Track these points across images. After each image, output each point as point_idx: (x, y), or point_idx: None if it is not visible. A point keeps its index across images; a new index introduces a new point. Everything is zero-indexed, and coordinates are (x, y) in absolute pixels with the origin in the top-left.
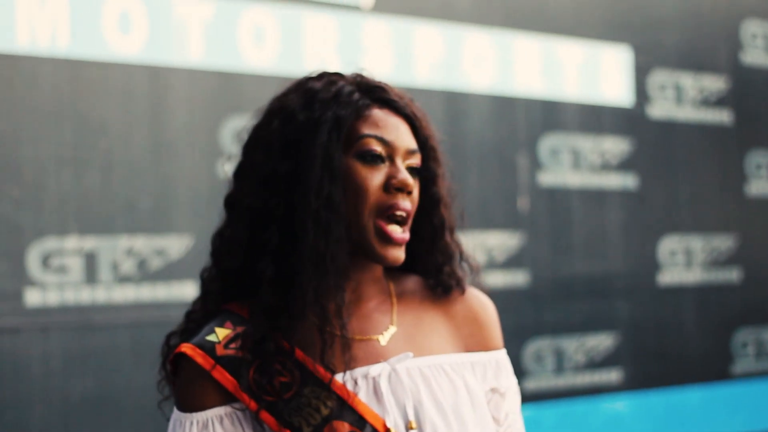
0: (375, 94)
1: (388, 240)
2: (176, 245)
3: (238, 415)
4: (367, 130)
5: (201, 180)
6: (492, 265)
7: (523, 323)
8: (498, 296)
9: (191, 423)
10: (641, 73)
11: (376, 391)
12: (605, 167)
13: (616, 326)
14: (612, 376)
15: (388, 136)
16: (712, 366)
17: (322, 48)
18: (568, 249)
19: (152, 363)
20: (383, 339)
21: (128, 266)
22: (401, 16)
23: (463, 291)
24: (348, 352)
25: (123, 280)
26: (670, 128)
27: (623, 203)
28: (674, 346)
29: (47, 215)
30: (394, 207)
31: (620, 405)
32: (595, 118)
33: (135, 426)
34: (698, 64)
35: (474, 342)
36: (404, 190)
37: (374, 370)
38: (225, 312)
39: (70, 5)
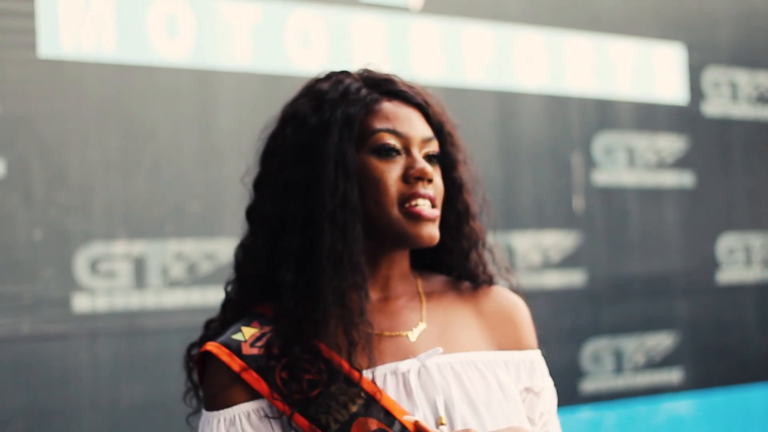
0: (383, 87)
1: (419, 218)
2: (225, 249)
3: (266, 411)
4: (379, 125)
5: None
6: (548, 265)
7: (581, 324)
8: (555, 296)
9: (218, 420)
10: (695, 71)
11: (406, 387)
12: (661, 165)
13: (675, 325)
14: (672, 376)
15: (401, 128)
16: None
17: (370, 49)
18: (625, 248)
19: None
20: (412, 335)
21: (177, 270)
22: (451, 17)
23: (490, 280)
24: (376, 348)
25: (172, 284)
26: (725, 125)
27: (680, 201)
28: (735, 344)
29: (95, 220)
30: (417, 195)
31: (681, 405)
32: (649, 116)
33: (185, 431)
34: (753, 60)
35: (507, 341)
36: (424, 178)
37: (403, 366)
38: (252, 312)
39: (116, 9)
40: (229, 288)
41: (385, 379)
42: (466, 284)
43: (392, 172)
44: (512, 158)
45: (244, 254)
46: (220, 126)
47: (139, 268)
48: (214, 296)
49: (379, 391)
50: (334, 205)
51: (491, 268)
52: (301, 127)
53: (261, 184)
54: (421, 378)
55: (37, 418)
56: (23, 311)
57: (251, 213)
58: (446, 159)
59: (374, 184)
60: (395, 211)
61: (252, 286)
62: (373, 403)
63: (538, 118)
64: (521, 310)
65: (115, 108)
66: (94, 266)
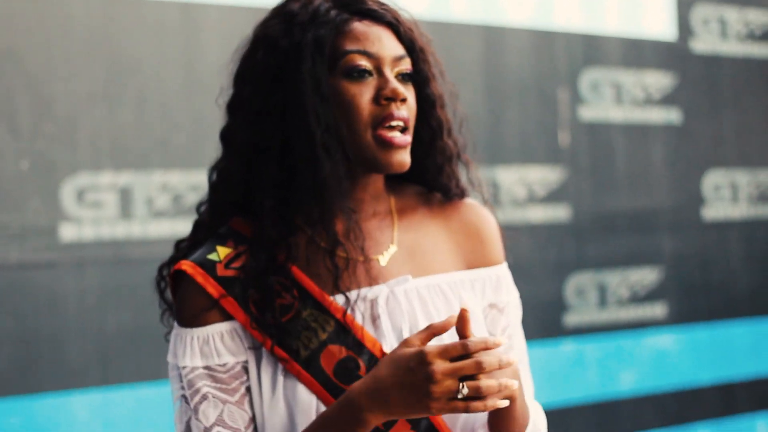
0: (352, 6)
1: (390, 146)
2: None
3: (238, 332)
4: (349, 46)
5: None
6: (533, 199)
7: (565, 258)
8: (539, 231)
9: (192, 338)
10: (684, 7)
11: (374, 314)
12: (648, 102)
13: (660, 261)
14: (656, 310)
15: (371, 48)
16: (759, 301)
17: None
18: (611, 184)
19: None
20: (383, 259)
21: (163, 201)
22: None
23: (462, 194)
24: (348, 273)
25: (157, 214)
26: (714, 62)
27: (666, 138)
28: (720, 281)
29: (81, 151)
30: (390, 117)
31: (665, 339)
32: (637, 53)
33: None
34: None
35: (475, 258)
36: (396, 98)
37: (373, 292)
38: (226, 229)
39: None
40: (202, 209)
41: (355, 305)
42: (438, 196)
43: (364, 95)
44: (498, 93)
45: (219, 177)
46: (206, 58)
47: (125, 198)
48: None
49: (349, 319)
50: (321, 131)
51: (464, 183)
52: (272, 50)
53: (235, 107)
54: (389, 305)
55: (25, 344)
56: (11, 240)
57: (225, 136)
58: (419, 76)
59: (347, 108)
60: (368, 135)
61: (226, 208)
62: (342, 331)
63: (525, 53)
64: (489, 224)
65: (101, 40)
66: (80, 196)
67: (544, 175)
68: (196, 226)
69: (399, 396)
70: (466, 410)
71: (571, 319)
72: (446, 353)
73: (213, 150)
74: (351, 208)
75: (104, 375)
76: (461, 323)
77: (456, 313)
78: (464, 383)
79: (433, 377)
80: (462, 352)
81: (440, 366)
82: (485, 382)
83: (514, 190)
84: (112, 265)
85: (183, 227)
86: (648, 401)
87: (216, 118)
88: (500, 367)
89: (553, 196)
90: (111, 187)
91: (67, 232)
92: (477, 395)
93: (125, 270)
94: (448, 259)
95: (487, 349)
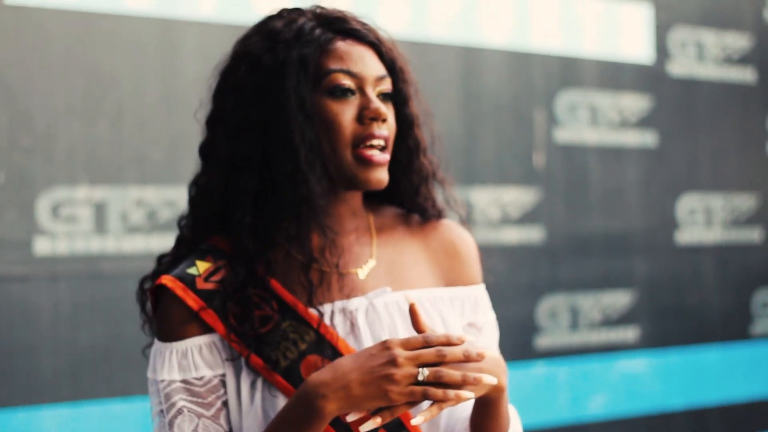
0: (336, 25)
1: (369, 164)
2: (185, 197)
3: (217, 345)
4: (333, 65)
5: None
6: (507, 220)
7: (538, 279)
8: (513, 252)
9: (170, 352)
10: (662, 30)
11: (353, 326)
12: (624, 124)
13: (633, 284)
14: (628, 333)
15: (355, 68)
16: (731, 326)
17: (333, 1)
18: (585, 206)
19: None
20: (362, 273)
21: (138, 217)
22: None
23: (439, 215)
24: (327, 285)
25: (132, 230)
26: (690, 86)
27: (642, 161)
28: (693, 305)
29: (57, 165)
30: (371, 136)
31: (636, 363)
32: (614, 75)
33: (142, 374)
34: (721, 21)
35: (453, 276)
36: (378, 118)
37: (352, 304)
38: (205, 246)
39: None
40: (183, 223)
41: (333, 316)
42: (416, 218)
43: (347, 114)
44: (474, 113)
45: (198, 192)
46: (184, 75)
47: (100, 213)
48: (173, 243)
49: (329, 329)
50: (305, 149)
51: (440, 203)
52: (254, 66)
53: (215, 122)
54: (368, 317)
55: None
56: None
57: (205, 150)
58: (398, 96)
59: (329, 126)
60: (348, 154)
61: (206, 222)
62: (322, 341)
63: (502, 74)
64: (468, 244)
65: (79, 55)
66: (55, 210)
67: (518, 197)
68: (179, 241)
69: (359, 381)
70: (425, 397)
71: (543, 341)
72: (408, 344)
73: (189, 166)
74: (328, 225)
75: (75, 390)
76: (412, 318)
77: (436, 326)
78: (425, 368)
79: (395, 361)
80: (423, 344)
81: (402, 352)
82: (446, 369)
83: (489, 210)
84: (85, 280)
85: (157, 243)
86: (618, 425)
87: (193, 135)
88: (466, 359)
89: (527, 218)
90: (86, 202)
91: (42, 246)
92: (438, 381)
93: (99, 284)
94: (427, 276)
95: (450, 344)
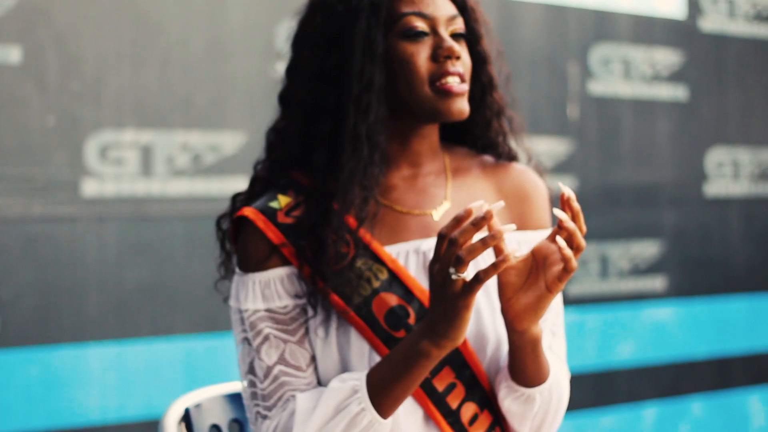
0: None
1: (449, 94)
2: (230, 141)
3: (296, 277)
4: (405, 8)
5: (256, 78)
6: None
7: None
8: None
9: (253, 282)
10: None
11: (425, 266)
12: (656, 78)
13: (661, 234)
14: (656, 283)
15: (427, 9)
16: (756, 277)
17: None
18: (617, 157)
19: (203, 254)
20: (436, 214)
21: (183, 160)
22: None
23: (510, 153)
24: (402, 225)
25: (177, 173)
26: (721, 41)
27: (672, 114)
28: (719, 256)
29: (106, 109)
30: (447, 73)
31: (664, 312)
32: (646, 30)
33: (186, 313)
34: None
35: (523, 221)
36: (452, 56)
37: (425, 244)
38: (287, 179)
39: None
40: (259, 167)
41: (408, 256)
42: (489, 159)
43: (421, 54)
44: (509, 65)
45: (277, 137)
46: (229, 22)
47: (146, 156)
48: (216, 186)
49: (401, 267)
50: (360, 90)
51: (510, 140)
52: (329, 15)
53: (293, 71)
54: None
55: (46, 295)
56: (35, 193)
57: (284, 98)
58: (471, 34)
59: (404, 66)
60: (426, 89)
61: (285, 164)
62: (394, 280)
63: (537, 27)
64: (540, 190)
65: (127, 2)
66: (103, 153)
67: (551, 147)
68: (253, 180)
69: (440, 314)
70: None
71: (573, 289)
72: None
73: (233, 112)
74: (381, 162)
75: (120, 329)
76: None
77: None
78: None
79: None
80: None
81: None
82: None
83: (522, 161)
84: (131, 221)
85: (202, 187)
86: (645, 372)
87: (237, 81)
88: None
89: (560, 168)
90: (133, 145)
91: (89, 188)
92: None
93: (144, 226)
94: (497, 219)
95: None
